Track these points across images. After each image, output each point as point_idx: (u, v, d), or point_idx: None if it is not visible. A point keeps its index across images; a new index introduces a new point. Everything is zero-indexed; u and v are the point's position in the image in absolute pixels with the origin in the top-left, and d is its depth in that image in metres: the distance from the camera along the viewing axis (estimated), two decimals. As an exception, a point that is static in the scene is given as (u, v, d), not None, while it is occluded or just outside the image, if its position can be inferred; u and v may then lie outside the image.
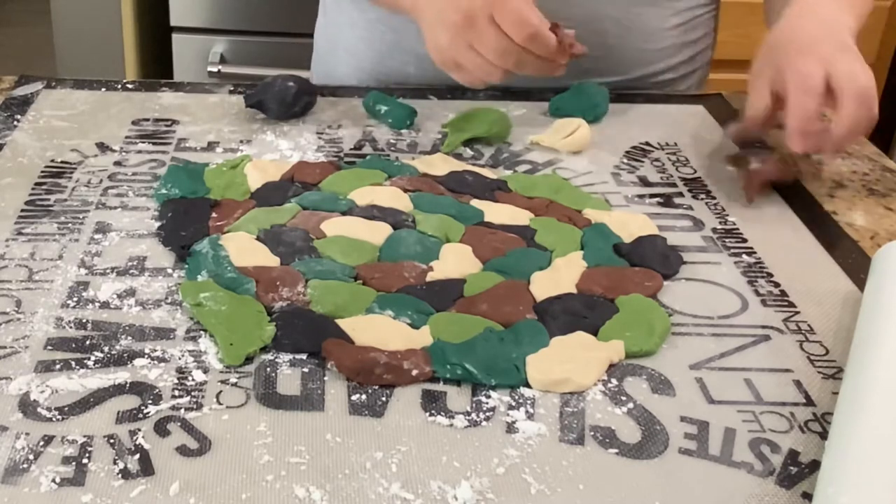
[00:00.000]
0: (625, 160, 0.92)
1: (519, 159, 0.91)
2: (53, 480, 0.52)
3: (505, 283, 0.70)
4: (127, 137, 0.91)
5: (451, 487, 0.53)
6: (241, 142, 0.91)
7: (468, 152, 0.91)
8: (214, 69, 1.90)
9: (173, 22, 1.91)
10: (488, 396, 0.60)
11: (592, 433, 0.58)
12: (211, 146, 0.90)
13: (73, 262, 0.71)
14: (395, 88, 1.03)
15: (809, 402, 0.62)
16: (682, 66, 1.11)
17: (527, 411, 0.59)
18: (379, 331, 0.64)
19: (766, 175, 0.87)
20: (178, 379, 0.60)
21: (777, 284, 0.73)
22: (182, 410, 0.58)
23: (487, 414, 0.59)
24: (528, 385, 0.61)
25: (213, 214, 0.77)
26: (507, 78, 0.86)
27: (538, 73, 0.86)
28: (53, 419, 0.57)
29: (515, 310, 0.67)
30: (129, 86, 1.02)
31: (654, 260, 0.75)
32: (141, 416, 0.57)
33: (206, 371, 0.61)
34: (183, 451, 0.55)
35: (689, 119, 1.01)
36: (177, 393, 0.59)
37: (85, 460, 0.54)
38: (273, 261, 0.71)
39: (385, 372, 0.60)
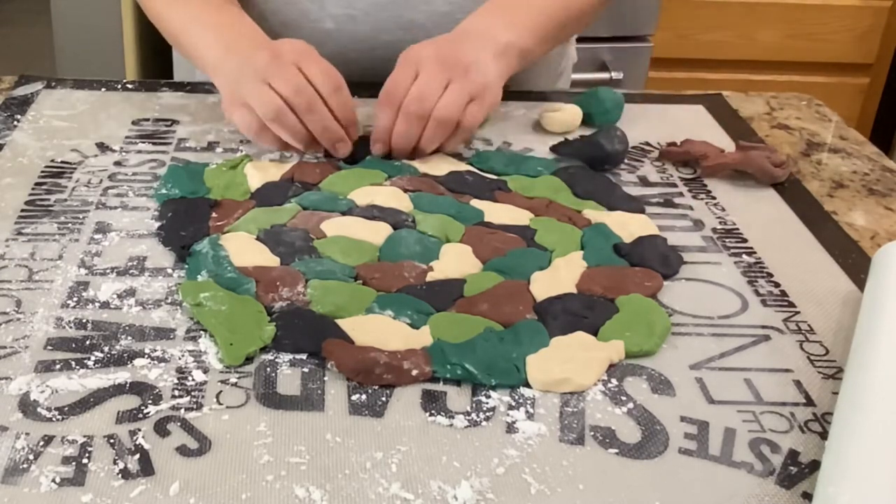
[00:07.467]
0: (625, 160, 0.92)
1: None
2: (53, 480, 0.52)
3: (505, 283, 0.70)
4: (127, 137, 0.91)
5: (451, 487, 0.53)
6: (241, 142, 0.91)
7: (468, 152, 0.91)
8: (214, 69, 1.90)
9: (173, 22, 1.91)
10: (488, 396, 0.60)
11: (592, 433, 0.58)
12: (211, 146, 0.90)
13: (73, 262, 0.71)
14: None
15: (809, 402, 0.62)
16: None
17: (527, 411, 0.59)
18: (379, 331, 0.64)
19: (730, 160, 0.89)
20: (178, 379, 0.60)
21: (777, 284, 0.73)
22: (182, 410, 0.58)
23: (487, 414, 0.59)
24: (528, 385, 0.61)
25: (213, 214, 0.77)
26: (271, 141, 0.84)
27: (321, 135, 0.84)
28: (53, 419, 0.56)
29: (515, 310, 0.67)
30: (129, 86, 1.02)
31: (654, 260, 0.74)
32: (141, 416, 0.57)
33: (206, 371, 0.61)
34: (183, 451, 0.55)
35: (689, 119, 1.01)
36: (177, 393, 0.59)
37: (85, 460, 0.54)
38: (273, 261, 0.71)
39: (385, 372, 0.60)
